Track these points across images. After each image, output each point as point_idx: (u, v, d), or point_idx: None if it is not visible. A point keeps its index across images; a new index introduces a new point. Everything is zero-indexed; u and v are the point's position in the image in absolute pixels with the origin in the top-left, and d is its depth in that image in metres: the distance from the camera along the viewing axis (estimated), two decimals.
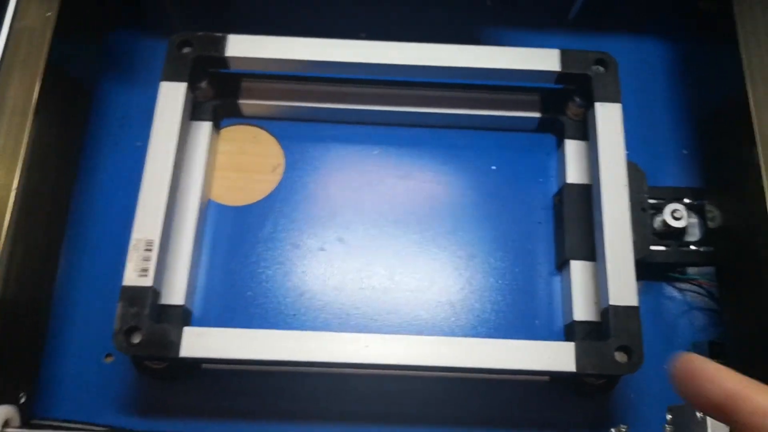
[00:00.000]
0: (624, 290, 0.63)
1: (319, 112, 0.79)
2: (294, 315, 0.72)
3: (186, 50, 0.70)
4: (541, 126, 0.79)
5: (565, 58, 0.71)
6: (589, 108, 0.72)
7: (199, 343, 0.60)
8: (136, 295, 0.61)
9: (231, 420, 0.69)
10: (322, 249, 0.75)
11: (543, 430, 0.70)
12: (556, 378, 0.69)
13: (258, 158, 0.79)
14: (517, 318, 0.73)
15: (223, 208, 0.76)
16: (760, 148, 0.64)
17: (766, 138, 0.65)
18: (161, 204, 0.64)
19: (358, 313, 0.73)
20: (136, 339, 0.60)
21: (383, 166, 0.79)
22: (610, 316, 0.63)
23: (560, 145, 0.78)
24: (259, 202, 0.77)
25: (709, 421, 0.55)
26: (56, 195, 0.72)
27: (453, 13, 0.88)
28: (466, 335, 0.72)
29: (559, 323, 0.73)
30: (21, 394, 0.63)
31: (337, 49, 0.71)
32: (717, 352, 0.69)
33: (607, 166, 0.68)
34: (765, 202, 0.63)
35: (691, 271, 0.76)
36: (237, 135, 0.80)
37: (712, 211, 0.72)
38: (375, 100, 0.78)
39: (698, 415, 0.56)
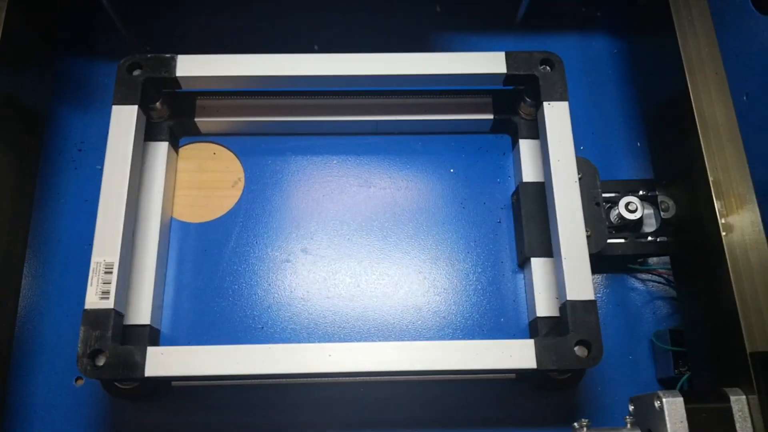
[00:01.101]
0: (580, 285, 0.65)
1: (277, 126, 0.79)
2: (262, 328, 0.73)
3: (136, 73, 0.70)
4: (495, 127, 0.81)
5: (511, 60, 0.73)
6: (538, 107, 0.73)
7: (164, 362, 0.61)
8: (98, 318, 0.62)
9: None
10: (287, 260, 0.76)
11: (512, 426, 0.71)
12: (521, 375, 0.71)
13: (218, 174, 0.79)
14: (483, 317, 0.75)
15: (186, 226, 0.77)
16: (701, 137, 0.66)
17: (706, 126, 0.66)
18: (119, 226, 0.65)
19: (326, 321, 0.74)
20: (101, 362, 0.61)
21: (343, 176, 0.80)
22: (568, 312, 0.64)
23: (515, 145, 0.79)
24: (221, 217, 0.77)
25: (666, 409, 0.57)
26: (14, 222, 0.73)
27: (404, 22, 0.89)
28: (433, 338, 0.73)
29: (524, 320, 0.74)
30: None
31: (286, 64, 0.72)
32: (677, 340, 0.71)
33: (557, 163, 0.69)
34: (710, 190, 0.64)
35: (652, 261, 0.78)
36: (196, 153, 0.80)
37: (666, 202, 0.74)
38: (331, 111, 0.79)
39: (656, 404, 0.58)
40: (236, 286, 0.75)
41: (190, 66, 0.71)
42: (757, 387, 0.56)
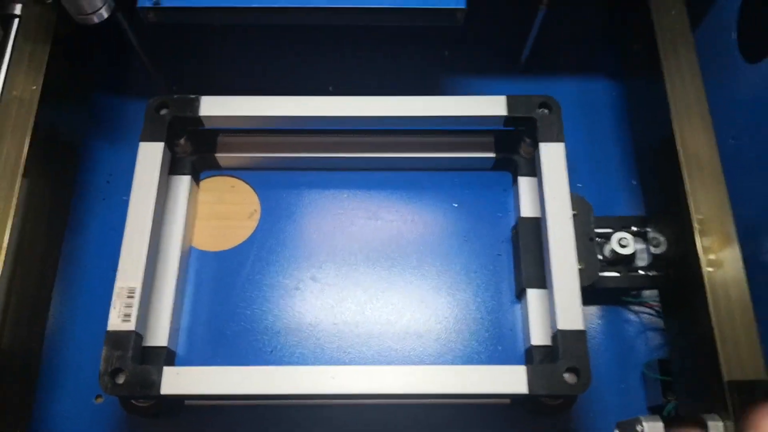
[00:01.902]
0: (571, 315, 0.68)
1: (292, 162, 0.85)
2: (271, 351, 0.78)
3: (163, 112, 0.76)
4: (497, 165, 0.85)
5: (511, 103, 0.78)
6: (536, 147, 0.78)
7: (178, 381, 0.66)
8: (120, 339, 0.67)
9: None
10: (297, 288, 0.81)
11: None
12: (515, 400, 0.74)
13: (235, 206, 0.85)
14: (481, 345, 0.79)
15: (204, 254, 0.82)
16: (686, 177, 0.70)
17: (691, 167, 0.70)
18: (143, 253, 0.70)
19: (332, 346, 0.78)
20: (121, 380, 0.65)
21: (352, 209, 0.85)
22: (558, 340, 0.68)
23: (515, 182, 0.84)
24: (237, 247, 0.83)
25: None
26: (47, 248, 0.79)
27: (414, 65, 0.95)
28: (433, 363, 0.77)
29: (521, 348, 0.78)
30: None
31: (302, 104, 0.78)
32: (665, 369, 0.74)
33: (553, 200, 0.73)
34: (692, 228, 0.68)
35: (645, 294, 0.81)
36: (215, 185, 0.86)
37: (656, 238, 0.77)
38: (343, 148, 0.85)
39: (638, 428, 0.61)
40: (249, 312, 0.79)
41: (212, 106, 0.77)
42: (734, 413, 0.59)
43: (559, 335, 0.68)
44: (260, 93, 0.79)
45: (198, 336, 0.78)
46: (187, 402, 0.73)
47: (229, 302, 0.80)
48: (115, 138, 0.88)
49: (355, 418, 0.75)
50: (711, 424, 0.60)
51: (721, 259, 0.67)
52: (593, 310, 0.81)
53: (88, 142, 0.88)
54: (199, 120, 0.77)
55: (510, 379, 0.66)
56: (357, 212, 0.85)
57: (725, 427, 0.59)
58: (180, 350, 0.77)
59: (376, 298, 0.80)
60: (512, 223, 0.84)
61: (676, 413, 0.71)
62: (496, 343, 0.78)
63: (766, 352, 0.62)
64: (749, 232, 0.69)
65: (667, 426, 0.60)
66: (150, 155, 0.74)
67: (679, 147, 0.71)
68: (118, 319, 0.67)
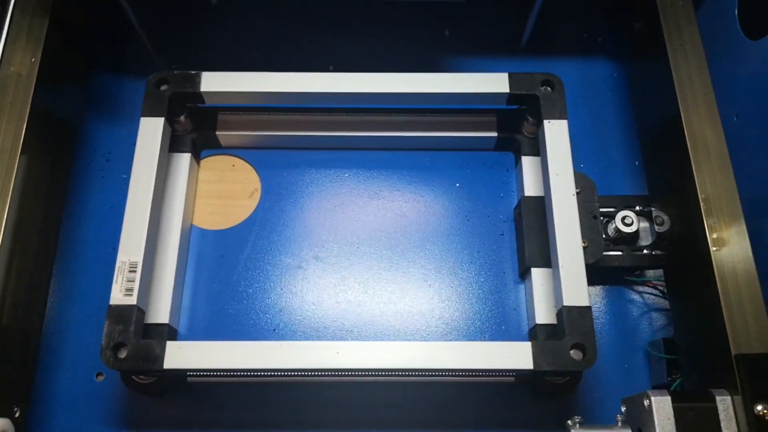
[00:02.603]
0: (576, 292, 0.68)
1: (293, 140, 0.84)
2: (274, 330, 0.77)
3: (163, 88, 0.75)
4: (499, 144, 0.85)
5: (513, 81, 0.77)
6: (539, 125, 0.77)
7: (182, 355, 0.65)
8: (122, 313, 0.66)
9: (215, 429, 0.73)
10: (299, 267, 0.80)
11: (510, 428, 0.74)
12: (520, 378, 0.74)
13: (236, 185, 0.84)
14: (484, 324, 0.78)
15: (205, 233, 0.82)
16: (691, 156, 0.70)
17: (696, 146, 0.70)
18: (144, 228, 0.69)
19: (335, 325, 0.78)
20: (123, 354, 0.65)
21: (354, 188, 0.84)
22: (564, 317, 0.67)
23: (518, 162, 0.84)
24: (238, 225, 0.82)
25: (654, 408, 0.60)
26: (46, 226, 0.78)
27: (415, 45, 0.94)
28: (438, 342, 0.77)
29: (525, 328, 0.78)
30: (15, 409, 0.67)
31: (303, 81, 0.77)
32: (670, 348, 0.74)
33: (556, 178, 0.73)
34: (700, 207, 0.68)
35: (648, 273, 0.81)
36: (216, 164, 0.85)
37: (660, 216, 0.77)
38: (345, 127, 0.84)
39: (645, 402, 0.61)
40: (250, 290, 0.79)
41: (213, 82, 0.76)
42: (741, 387, 0.59)
43: (564, 311, 0.68)
44: (261, 71, 0.78)
45: (199, 314, 0.77)
46: (189, 379, 0.72)
47: (230, 281, 0.79)
48: (114, 116, 0.87)
49: (359, 396, 0.75)
50: (719, 398, 0.59)
51: (727, 237, 0.67)
52: (597, 290, 0.81)
53: (86, 120, 0.87)
54: (199, 96, 0.76)
55: (515, 355, 0.66)
56: (359, 192, 0.84)
57: (733, 400, 0.59)
58: (181, 328, 0.76)
59: (379, 278, 0.80)
60: (515, 202, 0.83)
61: (682, 390, 0.71)
62: (499, 322, 0.78)
63: None
64: (755, 208, 0.69)
65: (674, 401, 0.59)
66: (150, 130, 0.73)
67: (684, 126, 0.71)
68: (120, 294, 0.67)
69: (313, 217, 0.83)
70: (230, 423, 0.74)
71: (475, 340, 0.77)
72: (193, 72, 0.77)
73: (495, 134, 0.84)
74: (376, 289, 0.79)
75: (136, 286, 0.67)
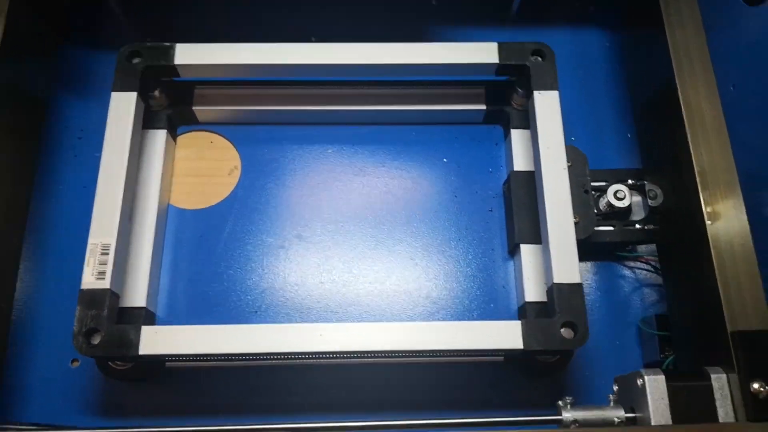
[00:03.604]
0: (567, 268, 0.66)
1: (273, 115, 0.81)
2: (256, 312, 0.75)
3: (136, 60, 0.72)
4: (488, 118, 0.82)
5: (503, 51, 0.74)
6: (529, 97, 0.75)
7: (158, 340, 0.62)
8: (94, 297, 0.63)
9: (195, 416, 0.71)
10: (281, 247, 0.77)
11: (500, 409, 0.72)
12: (510, 358, 0.72)
13: (215, 162, 0.81)
14: (473, 303, 0.76)
15: (183, 212, 0.79)
16: (687, 127, 0.67)
17: (693, 117, 0.68)
18: (116, 208, 0.66)
19: (319, 306, 0.75)
20: (96, 340, 0.62)
21: (338, 164, 0.82)
22: (554, 294, 0.65)
23: (507, 136, 0.81)
24: (217, 204, 0.79)
25: (648, 387, 0.58)
26: (13, 207, 0.75)
27: (400, 15, 0.91)
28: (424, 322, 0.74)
29: (514, 306, 0.76)
30: None
31: (283, 52, 0.74)
32: (663, 324, 0.72)
33: (547, 151, 0.70)
34: (695, 180, 0.66)
35: (640, 249, 0.79)
36: (193, 141, 0.82)
37: (653, 190, 0.75)
38: (327, 101, 0.81)
39: (638, 382, 0.59)
40: (231, 272, 0.76)
41: (188, 54, 0.73)
42: (737, 365, 0.57)
43: (554, 289, 0.65)
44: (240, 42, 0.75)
45: (179, 297, 0.75)
46: (168, 364, 0.70)
47: (210, 262, 0.76)
48: (86, 92, 0.84)
49: (345, 378, 0.72)
50: (714, 377, 0.58)
51: (723, 211, 0.65)
52: (588, 266, 0.79)
53: (57, 96, 0.84)
54: (174, 69, 0.73)
55: (504, 335, 0.64)
56: (343, 168, 0.81)
57: (728, 379, 0.57)
58: (160, 312, 0.74)
59: (364, 256, 0.77)
60: (504, 178, 0.81)
61: (675, 368, 0.69)
62: (488, 300, 0.76)
63: None
64: (752, 181, 0.66)
65: (668, 380, 0.57)
66: (122, 105, 0.70)
67: (680, 96, 0.68)
68: (92, 277, 0.64)
69: (295, 195, 0.80)
70: (211, 409, 0.71)
71: (463, 319, 0.75)
72: (167, 44, 0.73)
73: (483, 107, 0.81)
74: (361, 268, 0.77)
75: (109, 269, 0.64)
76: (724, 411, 0.57)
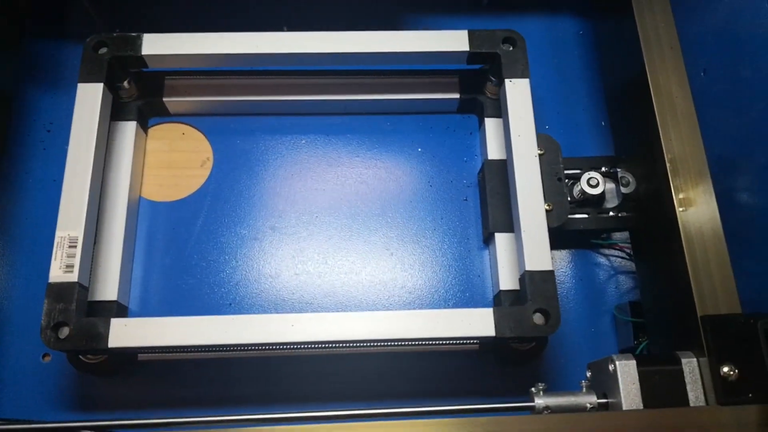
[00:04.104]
0: (539, 256, 0.66)
1: (245, 106, 0.80)
2: (230, 304, 0.74)
3: (102, 51, 0.71)
4: (462, 107, 0.82)
5: (474, 38, 0.74)
6: (501, 85, 0.74)
7: (128, 333, 0.62)
8: (62, 291, 0.62)
9: (168, 409, 0.70)
10: (255, 238, 0.77)
11: (475, 396, 0.72)
12: (485, 346, 0.72)
13: (186, 154, 0.80)
14: (448, 292, 0.76)
15: (155, 205, 0.78)
16: (657, 114, 0.67)
17: (663, 103, 0.68)
18: (84, 200, 0.65)
19: (294, 297, 0.75)
20: (64, 334, 0.61)
21: (312, 155, 0.81)
22: (526, 282, 0.65)
23: (481, 125, 0.80)
24: (189, 196, 0.78)
25: (619, 372, 0.58)
26: None
27: (372, 2, 0.90)
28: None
29: (490, 295, 0.76)
30: None
31: (255, 42, 0.73)
32: (637, 311, 0.72)
33: (518, 139, 0.70)
34: (666, 167, 0.66)
35: (615, 237, 0.79)
36: (165, 133, 0.81)
37: (626, 177, 0.75)
38: (300, 91, 0.80)
39: (610, 367, 0.59)
40: (204, 264, 0.75)
41: (156, 44, 0.72)
42: (707, 349, 0.57)
43: (526, 276, 0.65)
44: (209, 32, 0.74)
45: (152, 290, 0.74)
46: (140, 357, 0.69)
47: (183, 254, 0.76)
48: (55, 84, 0.83)
49: (318, 369, 0.72)
50: (685, 361, 0.58)
51: (693, 197, 0.65)
52: (562, 254, 0.79)
53: (23, 89, 0.82)
54: (141, 60, 0.72)
55: (476, 322, 0.64)
56: (316, 158, 0.81)
57: (699, 363, 0.58)
58: (132, 305, 0.73)
59: (339, 247, 0.77)
60: (478, 167, 0.80)
61: (648, 352, 0.69)
62: (464, 289, 0.76)
63: (741, 287, 0.60)
64: (722, 168, 0.67)
65: (639, 364, 0.58)
66: (89, 97, 0.69)
67: (650, 82, 0.68)
68: (60, 270, 0.63)
69: (268, 187, 0.79)
70: (184, 401, 0.71)
71: (439, 308, 0.75)
72: (133, 34, 0.72)
73: (457, 96, 0.80)
74: (336, 259, 0.76)
75: (77, 262, 0.63)
76: (695, 395, 0.57)
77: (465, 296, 0.76)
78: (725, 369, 0.56)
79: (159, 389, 0.71)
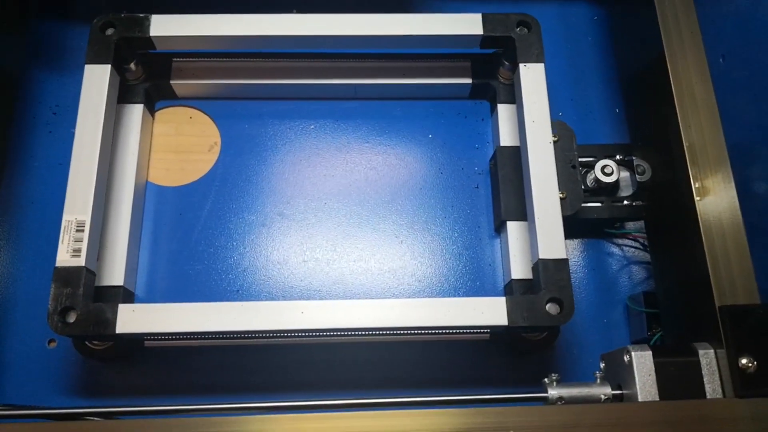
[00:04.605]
0: (552, 244, 0.65)
1: (254, 90, 0.79)
2: (237, 291, 0.73)
3: (109, 32, 0.70)
4: (474, 92, 0.80)
5: (487, 22, 0.72)
6: (515, 70, 0.73)
7: (136, 319, 0.61)
8: (69, 275, 0.61)
9: (174, 395, 0.69)
10: (263, 224, 0.76)
11: (486, 386, 0.71)
12: (495, 335, 0.71)
13: (194, 138, 0.79)
14: (459, 281, 0.75)
15: (162, 189, 0.77)
16: (676, 100, 0.66)
17: (682, 90, 0.66)
18: (91, 184, 0.64)
19: (302, 285, 0.74)
20: (71, 318, 0.60)
21: (321, 140, 0.80)
22: (540, 270, 0.64)
23: (494, 111, 0.79)
24: (197, 181, 0.77)
25: (635, 363, 0.57)
26: None
27: None
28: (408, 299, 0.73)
29: (500, 284, 0.74)
30: None
31: (264, 24, 0.72)
32: (651, 302, 0.71)
33: (533, 125, 0.69)
34: (684, 154, 0.64)
35: (628, 226, 0.78)
36: (172, 117, 0.80)
37: (641, 165, 0.74)
38: (310, 74, 0.79)
39: (625, 358, 0.58)
40: (212, 250, 0.74)
41: (164, 26, 0.71)
42: (725, 341, 0.56)
43: (540, 265, 0.64)
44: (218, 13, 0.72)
45: (158, 276, 0.73)
46: (147, 343, 0.68)
47: (190, 240, 0.75)
48: (61, 66, 0.81)
49: (328, 356, 0.71)
50: (702, 352, 0.57)
51: (712, 186, 0.63)
52: (575, 243, 0.78)
53: (29, 71, 0.81)
54: (149, 41, 0.71)
55: (489, 311, 0.63)
56: (325, 144, 0.80)
57: (716, 354, 0.56)
58: (139, 291, 0.72)
59: (348, 234, 0.76)
60: (490, 154, 0.79)
61: (662, 343, 0.68)
62: (474, 278, 0.75)
63: (761, 277, 0.58)
64: (741, 155, 0.65)
65: (655, 355, 0.56)
66: (96, 78, 0.68)
67: (669, 68, 0.67)
68: (67, 255, 0.62)
69: (277, 172, 0.78)
70: (190, 388, 0.70)
71: (449, 297, 0.74)
72: (141, 15, 0.71)
73: (469, 81, 0.79)
74: (345, 246, 0.75)
75: (84, 246, 0.62)
76: (712, 387, 0.56)
77: (475, 285, 0.75)
78: (743, 361, 0.55)
79: (165, 376, 0.70)
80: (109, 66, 0.68)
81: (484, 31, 0.72)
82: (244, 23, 0.72)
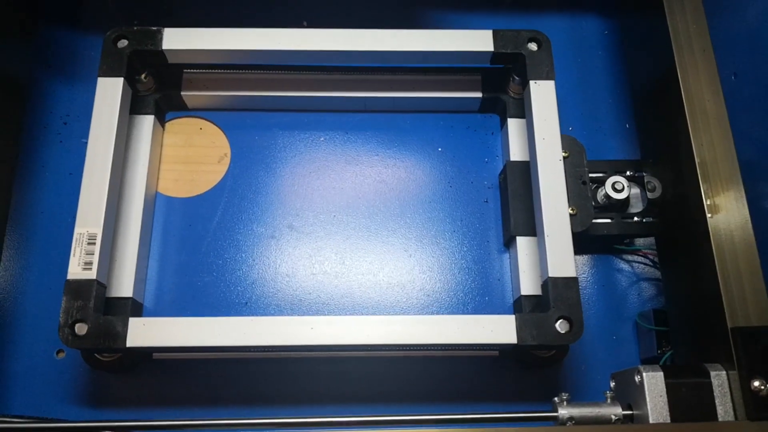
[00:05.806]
0: (562, 262, 0.64)
1: (264, 101, 0.79)
2: (246, 303, 0.73)
3: (122, 45, 0.70)
4: (484, 106, 0.80)
5: (498, 38, 0.72)
6: (525, 86, 0.73)
7: (146, 333, 0.61)
8: (80, 288, 0.62)
9: (182, 408, 0.69)
10: (272, 237, 0.76)
11: (495, 402, 0.71)
12: (504, 352, 0.70)
13: (204, 150, 0.79)
14: (467, 296, 0.75)
15: (171, 201, 0.77)
16: (688, 117, 0.65)
17: (693, 106, 0.66)
18: (103, 197, 0.64)
19: (310, 298, 0.74)
20: (82, 331, 0.60)
21: (330, 153, 0.80)
22: (549, 288, 0.64)
23: (503, 125, 0.79)
24: (206, 192, 0.77)
25: (646, 384, 0.57)
26: None
27: (393, 1, 0.88)
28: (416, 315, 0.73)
29: (509, 299, 0.74)
30: None
31: (275, 37, 0.72)
32: (661, 319, 0.71)
33: (542, 141, 0.69)
34: (696, 171, 0.64)
35: (638, 242, 0.78)
36: (182, 128, 0.80)
37: (652, 182, 0.73)
38: (320, 87, 0.79)
39: (636, 378, 0.58)
40: (220, 262, 0.74)
41: (176, 39, 0.71)
42: (737, 362, 0.56)
43: (549, 283, 0.64)
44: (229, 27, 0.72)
45: (166, 287, 0.73)
46: (155, 356, 0.68)
47: (199, 252, 0.75)
48: (72, 76, 0.82)
49: (336, 371, 0.71)
50: (714, 374, 0.56)
51: (724, 203, 0.63)
52: (585, 259, 0.78)
53: (40, 80, 0.81)
54: (161, 54, 0.71)
55: (498, 329, 0.63)
56: (335, 156, 0.80)
57: (728, 376, 0.56)
58: (147, 302, 0.72)
59: (357, 248, 0.76)
60: (500, 168, 0.79)
61: (673, 363, 0.68)
62: (483, 293, 0.75)
63: None
64: (753, 173, 0.65)
65: (666, 376, 0.56)
66: (109, 91, 0.68)
67: (680, 84, 0.67)
68: (79, 267, 0.62)
69: (286, 184, 0.78)
70: (198, 401, 0.70)
71: (457, 312, 0.73)
72: (154, 28, 0.71)
73: (479, 95, 0.79)
74: (353, 259, 0.75)
75: (95, 259, 0.63)
76: (724, 409, 0.55)
77: (484, 300, 0.74)
78: (756, 383, 0.54)
79: (173, 388, 0.70)
80: (121, 79, 0.68)
81: (494, 48, 0.72)
82: (255, 37, 0.72)
